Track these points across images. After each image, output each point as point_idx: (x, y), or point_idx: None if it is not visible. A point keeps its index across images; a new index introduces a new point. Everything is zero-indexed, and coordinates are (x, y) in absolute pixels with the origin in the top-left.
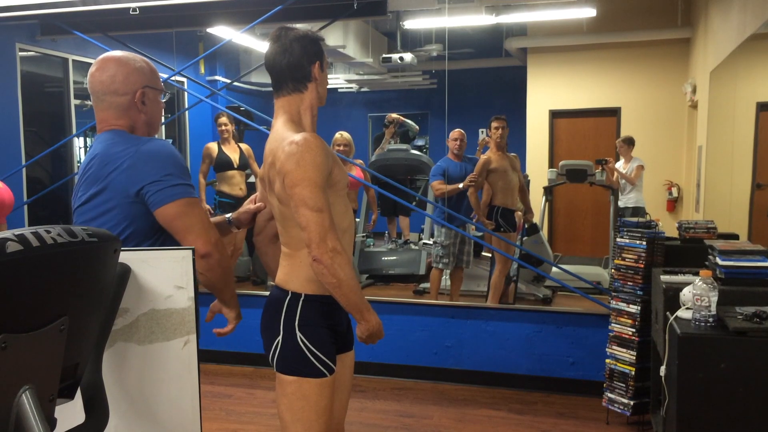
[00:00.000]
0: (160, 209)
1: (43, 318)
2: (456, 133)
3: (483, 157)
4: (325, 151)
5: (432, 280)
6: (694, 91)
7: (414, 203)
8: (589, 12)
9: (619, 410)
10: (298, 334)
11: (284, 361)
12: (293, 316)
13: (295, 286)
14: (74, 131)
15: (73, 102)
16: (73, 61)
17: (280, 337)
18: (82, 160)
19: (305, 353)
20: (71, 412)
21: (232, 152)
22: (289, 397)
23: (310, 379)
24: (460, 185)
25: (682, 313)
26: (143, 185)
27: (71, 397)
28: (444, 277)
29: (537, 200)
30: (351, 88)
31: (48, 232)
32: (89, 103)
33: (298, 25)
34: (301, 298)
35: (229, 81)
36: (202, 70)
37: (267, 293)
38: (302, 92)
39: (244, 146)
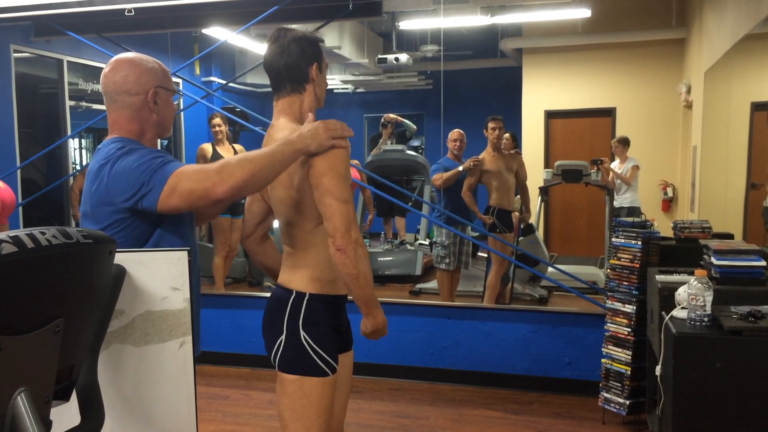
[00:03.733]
0: (158, 209)
1: (38, 320)
2: (455, 133)
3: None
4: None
5: (440, 283)
6: (688, 91)
7: (410, 204)
8: (584, 12)
9: (615, 410)
10: (302, 333)
11: (287, 360)
12: (297, 315)
13: (299, 285)
14: (69, 132)
15: (68, 103)
16: (68, 62)
17: (283, 336)
18: (76, 161)
19: (308, 352)
20: (67, 413)
21: (227, 153)
22: (290, 396)
23: (313, 378)
24: (461, 167)
25: (678, 313)
26: (125, 201)
27: (67, 399)
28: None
29: (533, 201)
30: (346, 88)
31: (43, 233)
32: (84, 104)
33: (295, 26)
34: (306, 297)
35: (224, 82)
36: (198, 71)
37: (264, 294)
38: (301, 93)
39: (238, 147)
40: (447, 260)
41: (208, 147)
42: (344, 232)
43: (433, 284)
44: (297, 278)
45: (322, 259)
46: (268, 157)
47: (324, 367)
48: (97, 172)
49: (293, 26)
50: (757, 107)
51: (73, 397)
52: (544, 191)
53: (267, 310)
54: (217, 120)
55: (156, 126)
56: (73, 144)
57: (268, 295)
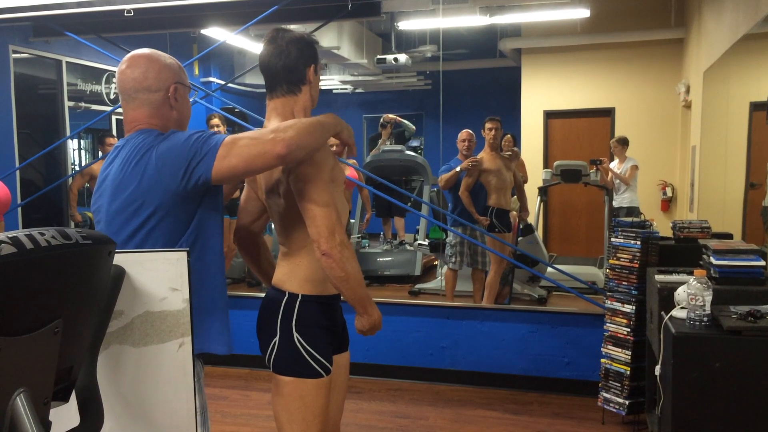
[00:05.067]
0: (213, 174)
1: (37, 321)
2: (464, 133)
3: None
4: (326, 147)
5: (446, 281)
6: (687, 91)
7: (409, 204)
8: (583, 12)
9: (614, 410)
10: (295, 334)
11: (281, 361)
12: (290, 317)
13: (292, 287)
14: (68, 133)
15: (67, 104)
16: (67, 63)
17: (277, 338)
18: (75, 162)
19: (302, 354)
20: (66, 414)
21: None
22: (285, 398)
23: (307, 380)
24: (458, 168)
25: (677, 313)
26: (179, 178)
27: (66, 399)
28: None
29: (532, 201)
30: (345, 89)
31: (42, 234)
32: (83, 105)
33: (293, 27)
34: (299, 299)
35: (223, 82)
36: (197, 72)
37: (262, 295)
38: (296, 95)
39: None
40: (454, 259)
41: None
42: (327, 235)
43: (432, 284)
44: (291, 279)
45: (315, 258)
46: (314, 122)
47: (318, 368)
48: (137, 164)
49: (290, 27)
50: (756, 107)
51: (72, 397)
52: (543, 191)
53: (261, 311)
54: (215, 120)
55: (175, 123)
56: (72, 145)
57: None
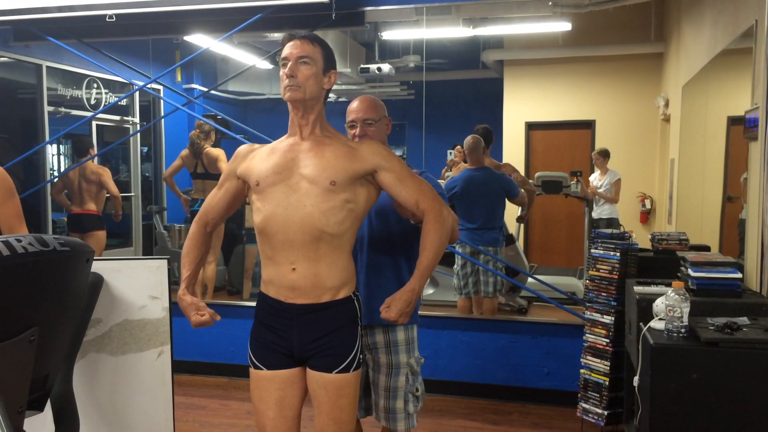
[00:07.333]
0: None
1: (12, 328)
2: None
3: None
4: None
5: (459, 310)
6: (666, 104)
7: None
8: (565, 26)
9: (593, 420)
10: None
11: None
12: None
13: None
14: (47, 138)
15: (47, 109)
16: (47, 67)
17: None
18: (54, 167)
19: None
20: (41, 423)
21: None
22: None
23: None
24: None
25: (655, 324)
26: None
27: (41, 409)
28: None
29: (513, 211)
30: (329, 98)
31: (19, 241)
32: (63, 109)
33: (276, 35)
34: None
35: (206, 89)
36: (179, 78)
37: (239, 303)
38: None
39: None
40: (466, 290)
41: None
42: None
43: (429, 289)
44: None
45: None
46: None
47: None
48: None
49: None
50: (734, 121)
51: (48, 406)
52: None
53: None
54: (206, 127)
55: None
56: (51, 150)
57: (245, 303)
